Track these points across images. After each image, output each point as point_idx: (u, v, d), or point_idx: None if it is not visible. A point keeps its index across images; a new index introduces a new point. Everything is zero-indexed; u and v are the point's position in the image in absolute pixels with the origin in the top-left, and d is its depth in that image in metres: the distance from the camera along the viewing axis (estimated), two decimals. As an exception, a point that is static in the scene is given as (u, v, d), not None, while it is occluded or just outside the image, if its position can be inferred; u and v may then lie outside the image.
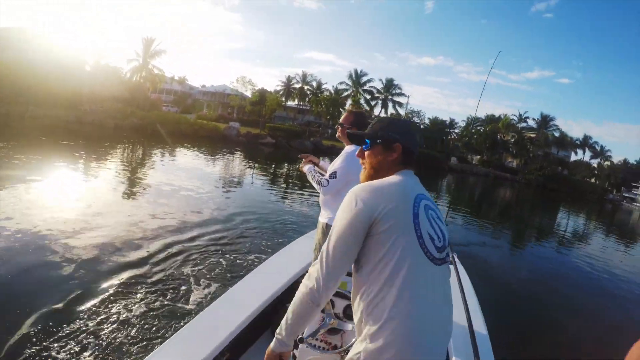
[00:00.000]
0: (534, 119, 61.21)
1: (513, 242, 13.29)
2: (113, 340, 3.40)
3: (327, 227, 2.95)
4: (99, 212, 7.37)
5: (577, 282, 9.22)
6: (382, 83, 53.72)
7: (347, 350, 1.97)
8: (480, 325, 2.74)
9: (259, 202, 10.68)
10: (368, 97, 53.50)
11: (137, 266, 5.11)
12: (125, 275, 4.79)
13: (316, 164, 3.33)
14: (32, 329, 3.48)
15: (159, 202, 8.99)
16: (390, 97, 53.79)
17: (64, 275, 4.60)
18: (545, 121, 59.05)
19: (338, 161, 2.91)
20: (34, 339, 3.34)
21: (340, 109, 49.73)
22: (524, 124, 61.33)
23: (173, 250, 5.81)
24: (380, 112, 54.37)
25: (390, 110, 54.09)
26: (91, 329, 3.55)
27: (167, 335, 3.54)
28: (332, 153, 37.43)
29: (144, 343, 3.41)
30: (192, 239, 6.43)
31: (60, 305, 3.92)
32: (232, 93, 60.17)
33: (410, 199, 1.40)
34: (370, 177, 1.58)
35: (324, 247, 1.42)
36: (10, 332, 3.41)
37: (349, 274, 1.51)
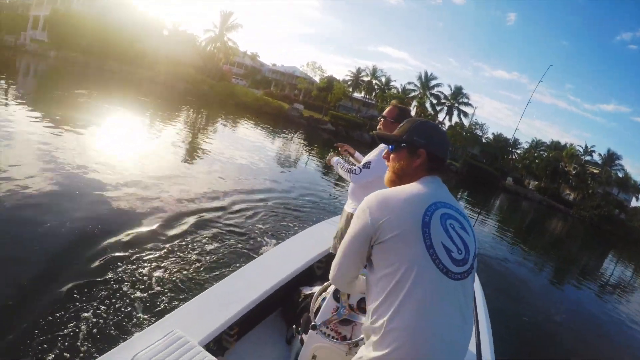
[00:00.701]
0: (600, 154, 57.54)
1: (552, 275, 12.28)
2: (124, 305, 3.37)
3: (351, 216, 2.86)
4: (149, 167, 7.74)
5: (609, 337, 8.15)
6: (450, 89, 52.61)
7: (355, 343, 2.01)
8: (487, 351, 2.62)
9: (299, 183, 10.58)
10: (434, 101, 52.56)
11: (157, 230, 5.05)
12: (144, 236, 4.78)
13: (351, 154, 3.34)
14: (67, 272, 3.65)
15: (207, 170, 9.20)
16: (456, 104, 52.65)
17: (90, 224, 4.68)
18: (611, 158, 55.61)
19: (374, 153, 2.87)
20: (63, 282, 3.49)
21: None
22: (588, 157, 57.80)
23: (199, 219, 5.78)
24: (445, 118, 53.36)
25: (455, 118, 53.04)
26: (109, 288, 3.55)
27: (179, 304, 3.41)
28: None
29: (155, 310, 3.41)
30: (221, 209, 6.44)
31: (74, 260, 3.94)
32: (301, 76, 60.67)
33: (421, 207, 1.34)
34: (393, 181, 1.56)
35: (340, 245, 1.47)
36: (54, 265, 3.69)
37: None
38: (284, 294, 2.85)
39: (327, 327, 2.07)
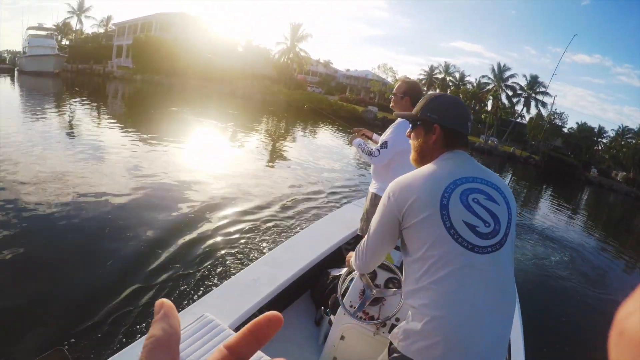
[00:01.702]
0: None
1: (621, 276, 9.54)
2: (156, 291, 3.56)
3: (376, 197, 3.01)
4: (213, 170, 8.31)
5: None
6: (526, 80, 50.67)
7: (383, 323, 2.08)
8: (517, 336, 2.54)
9: (334, 172, 10.60)
10: (510, 93, 51.17)
11: (193, 223, 5.27)
12: (180, 229, 5.00)
13: (369, 137, 3.39)
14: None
15: (260, 169, 9.55)
16: (533, 95, 50.94)
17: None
18: None
19: (389, 131, 2.93)
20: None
21: (482, 104, 48.75)
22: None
23: (235, 212, 5.93)
24: (522, 110, 51.74)
25: (533, 109, 51.29)
26: (146, 275, 3.82)
27: (209, 289, 3.65)
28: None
29: (187, 295, 3.57)
30: (256, 202, 6.56)
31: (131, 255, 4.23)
32: (374, 79, 61.85)
33: (438, 190, 1.38)
34: (416, 160, 1.60)
35: (369, 230, 1.56)
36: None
37: (397, 248, 1.59)
38: (312, 276, 2.93)
39: (355, 308, 2.11)
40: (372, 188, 3.10)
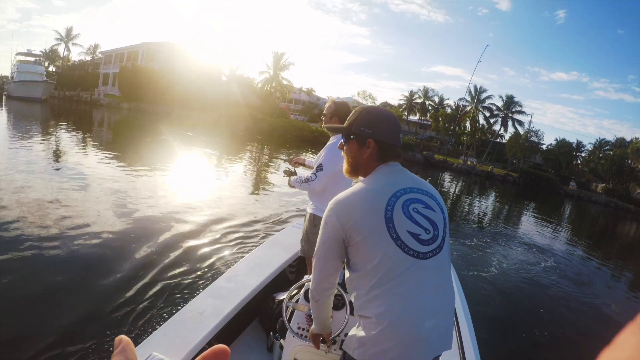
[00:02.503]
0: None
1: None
2: (99, 334, 3.40)
3: (314, 218, 3.10)
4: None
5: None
6: (502, 100, 53.41)
7: (333, 341, 2.06)
8: (467, 332, 2.70)
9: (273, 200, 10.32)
10: (487, 114, 53.23)
11: (123, 257, 5.07)
12: (109, 264, 4.80)
13: (302, 164, 3.51)
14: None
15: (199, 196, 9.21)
16: (510, 114, 53.03)
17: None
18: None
19: (322, 154, 3.01)
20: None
21: (460, 125, 50.70)
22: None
23: (166, 243, 5.74)
24: (500, 130, 53.84)
25: (510, 128, 53.30)
26: (79, 322, 3.56)
27: (155, 326, 3.53)
28: (444, 168, 38.96)
29: (131, 336, 3.35)
30: (191, 232, 6.36)
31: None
32: (354, 105, 62.92)
33: (382, 203, 1.43)
34: (349, 172, 1.63)
35: (314, 252, 1.58)
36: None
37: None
38: (259, 303, 2.91)
39: (303, 329, 2.13)
40: (310, 209, 3.19)
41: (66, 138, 17.02)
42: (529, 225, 15.81)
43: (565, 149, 56.46)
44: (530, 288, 7.53)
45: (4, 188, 7.05)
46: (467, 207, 17.89)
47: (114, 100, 42.83)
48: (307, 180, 2.99)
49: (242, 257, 3.49)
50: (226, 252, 5.75)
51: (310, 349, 2.06)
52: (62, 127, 21.24)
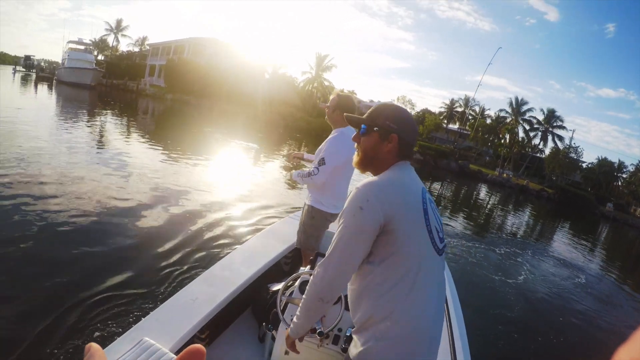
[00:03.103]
0: None
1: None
2: (92, 317, 3.41)
3: (313, 210, 3.13)
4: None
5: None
6: (543, 114, 52.32)
7: (326, 335, 2.05)
8: (459, 332, 2.71)
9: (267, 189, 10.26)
10: (527, 127, 52.26)
11: (121, 239, 5.16)
12: (107, 248, 4.84)
13: (301, 158, 3.48)
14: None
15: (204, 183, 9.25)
16: (550, 129, 52.05)
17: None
18: None
19: (324, 147, 3.00)
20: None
21: (499, 137, 50.39)
22: None
23: (164, 229, 5.81)
24: (539, 144, 53.11)
25: (550, 143, 52.39)
26: (73, 304, 3.55)
27: (146, 312, 3.51)
28: (478, 179, 39.03)
29: (123, 320, 3.44)
30: (190, 218, 6.46)
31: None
32: (393, 110, 64.19)
33: (419, 195, 1.46)
34: (363, 164, 1.59)
35: (332, 245, 1.42)
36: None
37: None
38: (252, 293, 2.91)
39: None
40: (308, 200, 3.19)
41: (112, 123, 18.33)
42: (561, 242, 15.91)
43: (606, 169, 54.98)
44: (554, 299, 7.65)
45: (51, 164, 7.71)
46: (499, 218, 18.23)
47: (159, 91, 45.26)
48: (309, 174, 3.00)
49: (237, 246, 3.40)
50: (222, 241, 5.79)
51: (303, 342, 1.98)
52: (108, 112, 22.83)
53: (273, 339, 2.40)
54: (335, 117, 3.05)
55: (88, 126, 15.31)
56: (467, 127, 58.77)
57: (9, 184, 6.26)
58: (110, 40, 70.40)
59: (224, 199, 8.15)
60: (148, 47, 62.06)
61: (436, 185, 24.77)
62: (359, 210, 1.38)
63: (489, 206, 22.24)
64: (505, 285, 7.62)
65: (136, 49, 68.74)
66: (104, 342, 2.79)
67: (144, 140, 14.52)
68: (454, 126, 64.29)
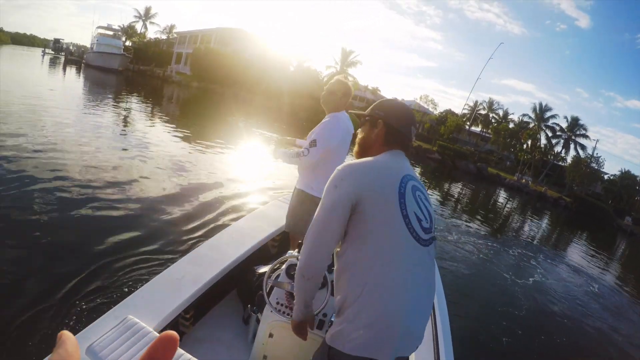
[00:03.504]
0: None
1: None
2: (76, 295, 3.42)
3: (302, 194, 3.11)
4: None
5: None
6: (567, 121, 51.93)
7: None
8: (444, 329, 2.69)
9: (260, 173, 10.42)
10: (550, 133, 51.86)
11: (108, 214, 5.23)
12: (95, 227, 4.83)
13: (292, 144, 3.44)
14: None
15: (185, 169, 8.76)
16: (573, 137, 51.41)
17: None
18: None
19: (317, 129, 2.97)
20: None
21: (521, 142, 50.15)
22: None
23: (151, 207, 5.85)
24: (561, 152, 52.71)
25: (572, 152, 51.86)
26: (59, 279, 3.60)
27: (132, 289, 3.54)
28: (495, 182, 39.16)
29: (108, 298, 3.45)
30: (175, 199, 6.48)
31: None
32: (415, 109, 63.72)
33: (396, 178, 1.48)
34: (358, 152, 1.70)
35: (311, 223, 1.48)
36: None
37: None
38: (238, 274, 2.90)
39: (281, 304, 2.12)
40: (299, 185, 3.18)
41: (138, 107, 19.17)
42: (576, 251, 16.05)
43: (628, 182, 54.16)
44: (563, 303, 7.78)
45: (71, 148, 7.92)
46: (515, 223, 18.53)
47: (185, 79, 46.55)
48: (297, 154, 2.97)
49: (225, 227, 3.42)
50: (209, 221, 5.85)
51: (288, 326, 1.99)
52: (135, 97, 23.84)
53: (258, 321, 2.37)
54: (329, 100, 3.06)
55: (114, 108, 16.13)
56: (489, 131, 58.56)
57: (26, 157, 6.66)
58: (139, 27, 72.21)
59: (223, 181, 8.32)
60: (175, 35, 63.68)
61: (451, 186, 25.11)
62: (333, 189, 1.47)
63: (504, 210, 22.48)
64: (515, 285, 7.90)
65: (163, 37, 70.26)
66: (89, 318, 2.99)
67: (165, 124, 15.23)
68: (477, 129, 63.99)
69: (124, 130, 11.93)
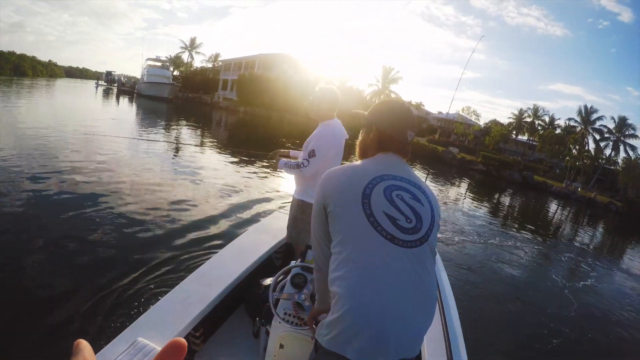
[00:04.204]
0: None
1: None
2: (84, 317, 3.49)
3: (303, 203, 3.20)
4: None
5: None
6: (614, 122, 50.00)
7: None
8: (456, 332, 2.60)
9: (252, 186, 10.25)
10: (597, 137, 50.31)
11: (111, 243, 5.15)
12: (101, 249, 4.91)
13: (286, 155, 3.49)
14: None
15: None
16: (622, 138, 49.50)
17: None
18: None
19: (313, 140, 3.04)
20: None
21: (566, 148, 49.25)
22: None
23: (155, 230, 5.86)
24: (611, 154, 51.18)
25: (622, 154, 50.03)
26: (69, 303, 3.66)
27: (140, 312, 3.60)
28: (542, 190, 39.14)
29: (117, 322, 3.49)
30: (180, 217, 6.54)
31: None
32: (457, 121, 64.62)
33: (363, 180, 1.50)
34: (359, 155, 1.76)
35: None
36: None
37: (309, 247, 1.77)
38: (244, 289, 2.94)
39: (289, 315, 2.15)
40: (296, 194, 3.25)
41: (189, 133, 21.00)
42: (631, 258, 15.59)
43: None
44: (616, 311, 7.58)
45: (131, 164, 8.98)
46: (554, 229, 18.86)
47: (232, 104, 50.14)
48: (297, 165, 3.03)
49: (227, 243, 3.43)
50: (211, 238, 5.90)
51: (297, 335, 2.07)
52: (185, 123, 26.10)
53: (267, 333, 2.35)
54: (316, 111, 3.13)
55: (166, 134, 18.26)
56: (536, 138, 57.60)
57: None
58: (185, 57, 77.43)
59: (228, 193, 8.71)
60: (220, 63, 68.15)
61: (493, 195, 25.55)
62: (316, 195, 1.63)
63: (539, 217, 22.36)
64: (564, 288, 8.04)
65: (209, 65, 74.91)
66: (99, 344, 3.01)
67: (211, 147, 16.57)
68: (524, 137, 62.99)
69: (175, 155, 13.02)
